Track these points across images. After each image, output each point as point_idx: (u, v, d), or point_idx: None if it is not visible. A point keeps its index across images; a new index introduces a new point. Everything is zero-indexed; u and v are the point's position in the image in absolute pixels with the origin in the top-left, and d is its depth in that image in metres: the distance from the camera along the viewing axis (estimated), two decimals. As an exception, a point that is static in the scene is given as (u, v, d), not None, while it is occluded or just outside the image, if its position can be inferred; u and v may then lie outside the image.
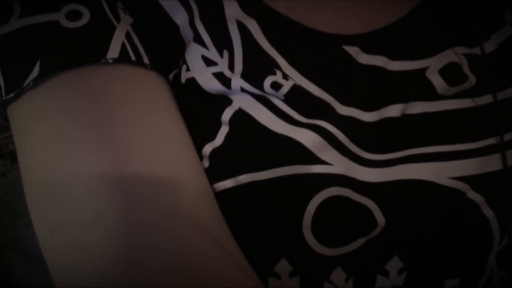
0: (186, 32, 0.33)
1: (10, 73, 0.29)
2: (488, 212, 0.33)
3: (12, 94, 0.29)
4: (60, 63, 0.28)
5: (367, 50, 0.35)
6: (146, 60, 0.31)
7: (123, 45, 0.30)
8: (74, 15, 0.29)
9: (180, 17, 0.33)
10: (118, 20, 0.31)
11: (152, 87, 0.31)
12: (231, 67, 0.32)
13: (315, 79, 0.33)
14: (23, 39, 0.29)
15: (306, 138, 0.31)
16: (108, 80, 0.29)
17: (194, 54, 0.33)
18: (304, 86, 0.33)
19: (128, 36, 0.31)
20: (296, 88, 0.32)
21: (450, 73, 0.35)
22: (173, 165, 0.29)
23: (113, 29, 0.30)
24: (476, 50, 0.36)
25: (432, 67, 0.35)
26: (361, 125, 0.33)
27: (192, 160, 0.31)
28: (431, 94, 0.34)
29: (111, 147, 0.27)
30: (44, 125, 0.28)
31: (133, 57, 0.30)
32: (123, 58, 0.29)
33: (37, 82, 0.28)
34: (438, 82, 0.34)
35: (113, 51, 0.29)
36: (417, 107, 0.34)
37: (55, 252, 0.28)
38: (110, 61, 0.29)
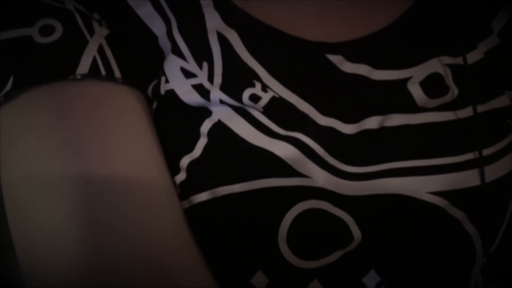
0: (164, 43, 0.33)
1: None
2: (470, 228, 0.33)
3: None
4: (31, 79, 0.29)
5: (350, 58, 0.34)
6: (117, 74, 0.31)
7: (94, 60, 0.30)
8: (47, 30, 0.30)
9: (158, 27, 0.33)
10: (92, 33, 0.31)
11: (120, 102, 0.31)
12: (211, 79, 0.32)
13: (296, 89, 0.33)
14: None
15: (284, 151, 0.31)
16: (75, 96, 0.29)
17: (172, 66, 0.33)
18: (284, 96, 0.32)
19: (100, 50, 0.31)
20: (275, 100, 0.32)
21: (431, 84, 0.34)
22: (135, 181, 0.29)
23: (85, 43, 0.31)
24: (461, 60, 0.36)
25: (415, 77, 0.34)
26: (340, 137, 0.32)
27: (158, 175, 0.31)
28: (410, 106, 0.34)
29: (74, 165, 0.28)
30: (14, 142, 0.29)
31: (103, 72, 0.30)
32: (92, 73, 0.30)
33: (8, 97, 0.29)
34: (417, 94, 0.34)
35: (83, 67, 0.30)
36: (397, 119, 0.33)
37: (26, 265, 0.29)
38: (78, 77, 0.29)
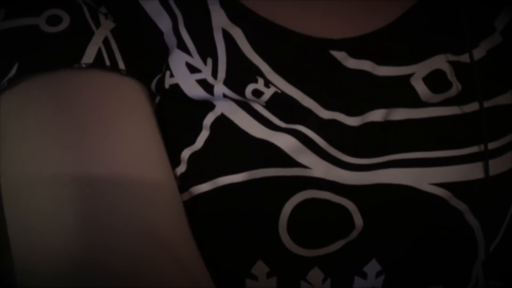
0: (170, 38, 0.34)
1: None
2: (472, 220, 0.33)
3: None
4: (36, 66, 0.29)
5: (354, 54, 0.35)
6: (121, 65, 0.31)
7: (99, 51, 0.31)
8: (54, 20, 0.30)
9: (164, 23, 0.34)
10: (98, 25, 0.32)
11: (123, 92, 0.31)
12: (215, 74, 0.33)
13: (299, 84, 0.33)
14: (4, 41, 0.30)
15: (284, 141, 0.31)
16: (79, 85, 0.30)
17: (178, 60, 0.33)
18: (287, 91, 0.33)
19: (106, 41, 0.31)
20: (277, 96, 0.32)
21: (434, 80, 0.35)
22: (136, 170, 0.29)
23: (91, 34, 0.31)
24: (463, 58, 0.36)
25: (418, 73, 0.35)
26: (344, 129, 0.33)
27: (158, 164, 0.31)
28: (415, 100, 0.34)
29: (74, 151, 0.28)
30: (16, 128, 0.29)
31: (107, 63, 0.31)
32: (97, 63, 0.30)
33: (12, 83, 0.29)
34: (421, 89, 0.34)
35: (88, 56, 0.30)
36: (401, 114, 0.34)
37: (19, 252, 0.28)
38: (83, 66, 0.30)
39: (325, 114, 0.33)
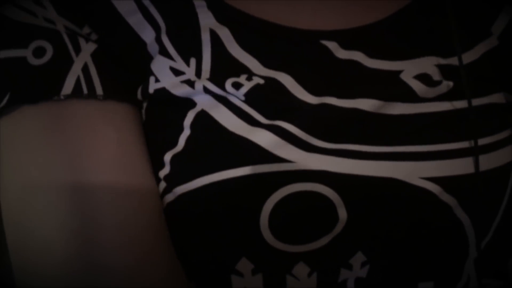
0: (153, 47, 0.34)
1: None
2: (461, 215, 0.32)
3: None
4: (23, 98, 0.32)
5: (345, 46, 0.34)
6: (99, 91, 0.33)
7: (78, 80, 0.32)
8: (39, 52, 0.32)
9: (147, 34, 0.34)
10: (78, 51, 0.33)
11: (99, 120, 0.33)
12: (198, 74, 0.33)
13: (290, 71, 0.33)
14: None
15: (264, 139, 0.31)
16: (59, 117, 0.32)
17: (162, 66, 0.34)
18: (277, 77, 0.33)
19: (85, 68, 0.33)
20: (257, 88, 0.32)
21: (425, 76, 0.34)
22: (105, 188, 0.31)
23: (70, 64, 0.33)
24: (452, 60, 0.36)
25: (406, 71, 0.35)
26: (333, 113, 0.32)
27: (129, 182, 0.32)
28: (411, 96, 0.34)
29: (61, 176, 0.31)
30: (8, 158, 0.32)
31: (85, 91, 0.32)
32: (75, 92, 0.32)
33: (2, 112, 0.32)
34: (416, 85, 0.34)
35: (67, 87, 0.32)
36: (396, 108, 0.33)
37: (16, 252, 0.32)
38: (62, 97, 0.32)
39: (314, 99, 0.33)
